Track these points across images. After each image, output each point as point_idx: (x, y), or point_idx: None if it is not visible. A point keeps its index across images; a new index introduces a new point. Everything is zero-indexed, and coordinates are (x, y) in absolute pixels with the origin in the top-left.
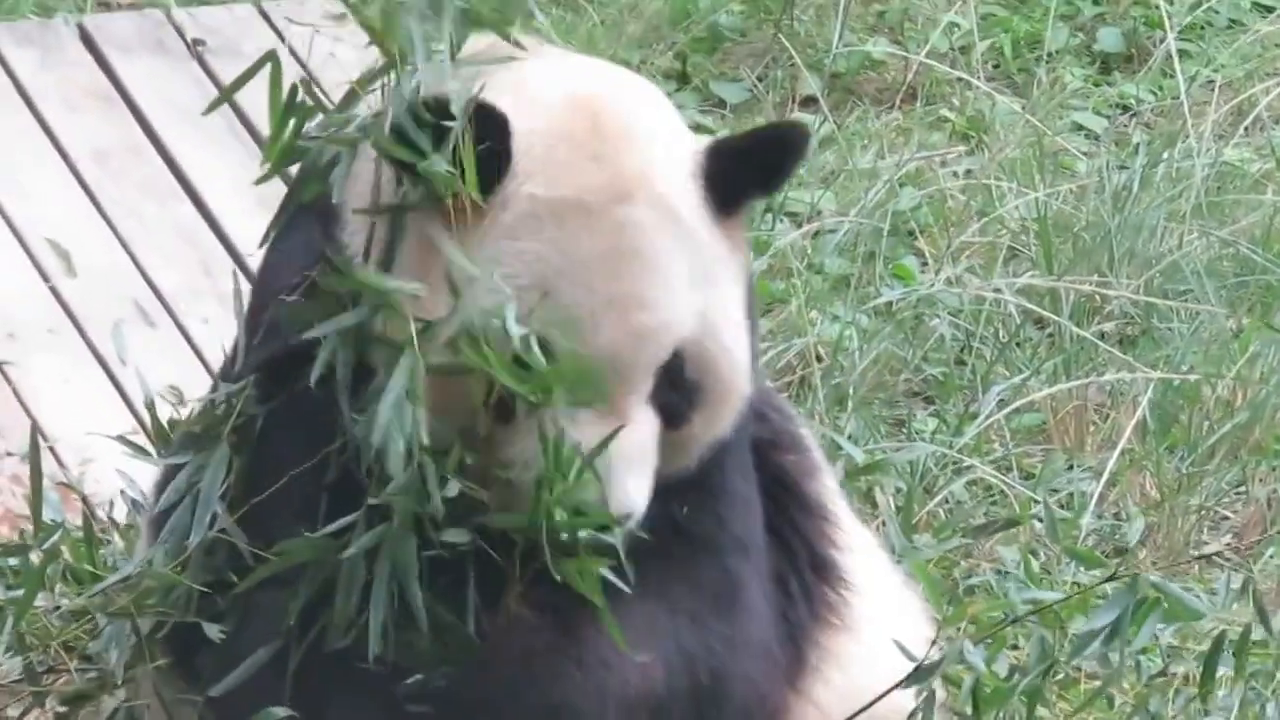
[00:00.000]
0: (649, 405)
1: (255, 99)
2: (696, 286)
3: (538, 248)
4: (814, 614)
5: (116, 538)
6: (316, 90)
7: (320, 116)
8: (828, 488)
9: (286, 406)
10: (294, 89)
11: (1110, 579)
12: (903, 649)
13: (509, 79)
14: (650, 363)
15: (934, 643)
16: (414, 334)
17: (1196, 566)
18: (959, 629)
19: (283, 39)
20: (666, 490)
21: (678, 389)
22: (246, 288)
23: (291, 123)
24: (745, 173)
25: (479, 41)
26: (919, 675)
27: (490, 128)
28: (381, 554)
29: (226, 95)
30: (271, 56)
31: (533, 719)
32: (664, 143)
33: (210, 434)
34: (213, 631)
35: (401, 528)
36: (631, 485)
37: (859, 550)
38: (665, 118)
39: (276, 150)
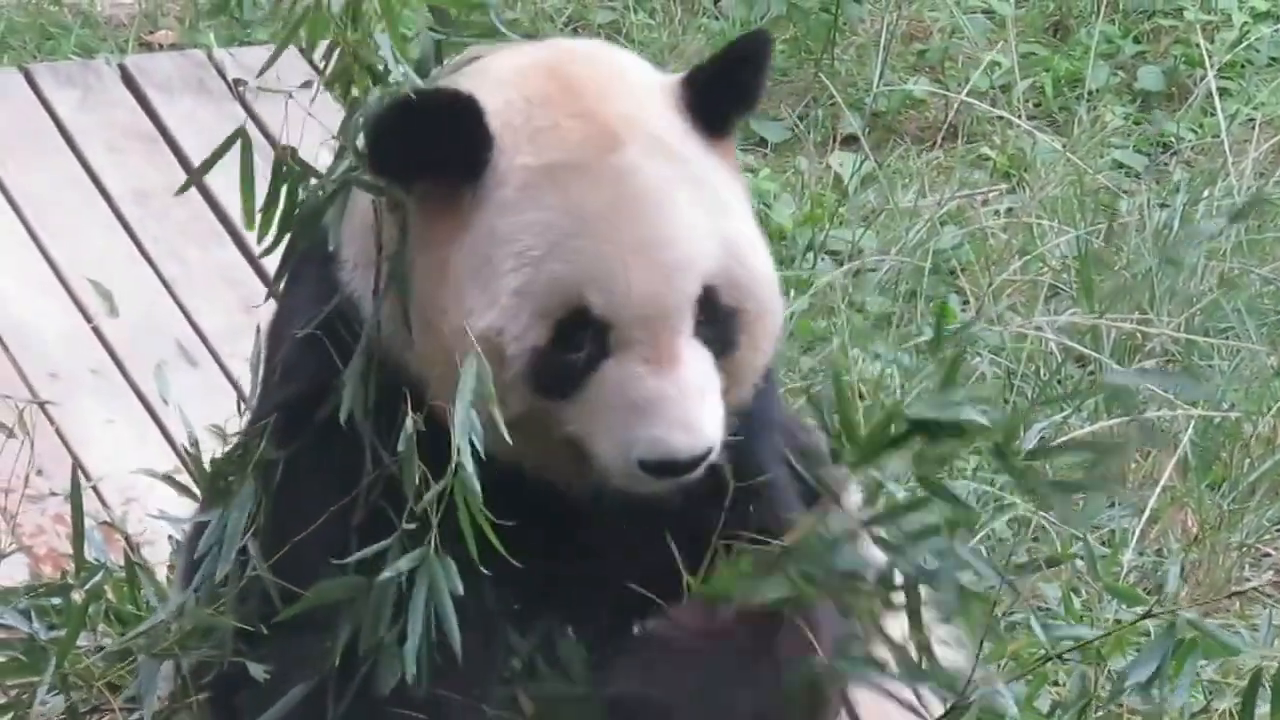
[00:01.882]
0: (696, 341)
1: (294, 139)
2: (709, 214)
3: (544, 215)
4: None
5: (159, 577)
6: (301, 155)
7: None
8: (855, 503)
9: (308, 448)
10: (278, 161)
11: (1147, 616)
12: (937, 690)
13: (470, 69)
14: (687, 299)
15: (969, 680)
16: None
17: (1238, 603)
18: (999, 666)
19: (321, 76)
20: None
21: (717, 319)
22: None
23: (284, 190)
24: (723, 94)
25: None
26: (953, 714)
27: (461, 111)
28: (418, 578)
29: (195, 178)
30: (241, 133)
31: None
32: (638, 85)
33: (235, 477)
34: (257, 671)
35: (440, 551)
36: (706, 421)
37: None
38: (630, 63)
39: (270, 220)
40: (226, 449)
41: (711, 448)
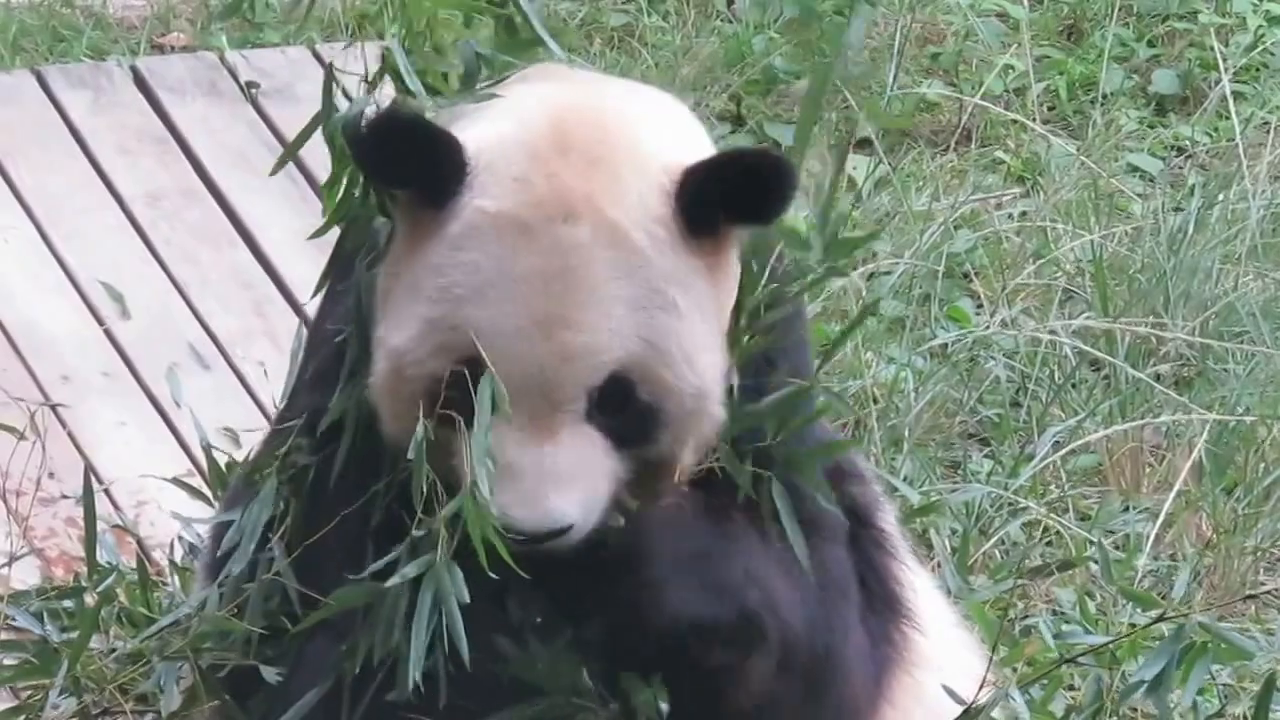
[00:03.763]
0: (587, 425)
1: (308, 142)
2: (644, 311)
3: (476, 259)
4: (882, 654)
5: (171, 580)
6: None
7: None
8: (891, 522)
9: (336, 455)
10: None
11: (1160, 619)
12: (950, 693)
13: (504, 96)
14: (578, 383)
15: (982, 684)
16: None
17: (1253, 607)
18: (1013, 670)
19: (336, 82)
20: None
21: (628, 411)
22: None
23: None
24: (718, 197)
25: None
26: (968, 718)
27: (436, 145)
28: (423, 584)
29: (291, 153)
30: (328, 111)
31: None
32: (635, 162)
33: (264, 474)
34: (270, 674)
35: (447, 557)
36: (555, 502)
37: (918, 588)
38: (655, 134)
39: (334, 204)
40: (261, 444)
41: (561, 528)
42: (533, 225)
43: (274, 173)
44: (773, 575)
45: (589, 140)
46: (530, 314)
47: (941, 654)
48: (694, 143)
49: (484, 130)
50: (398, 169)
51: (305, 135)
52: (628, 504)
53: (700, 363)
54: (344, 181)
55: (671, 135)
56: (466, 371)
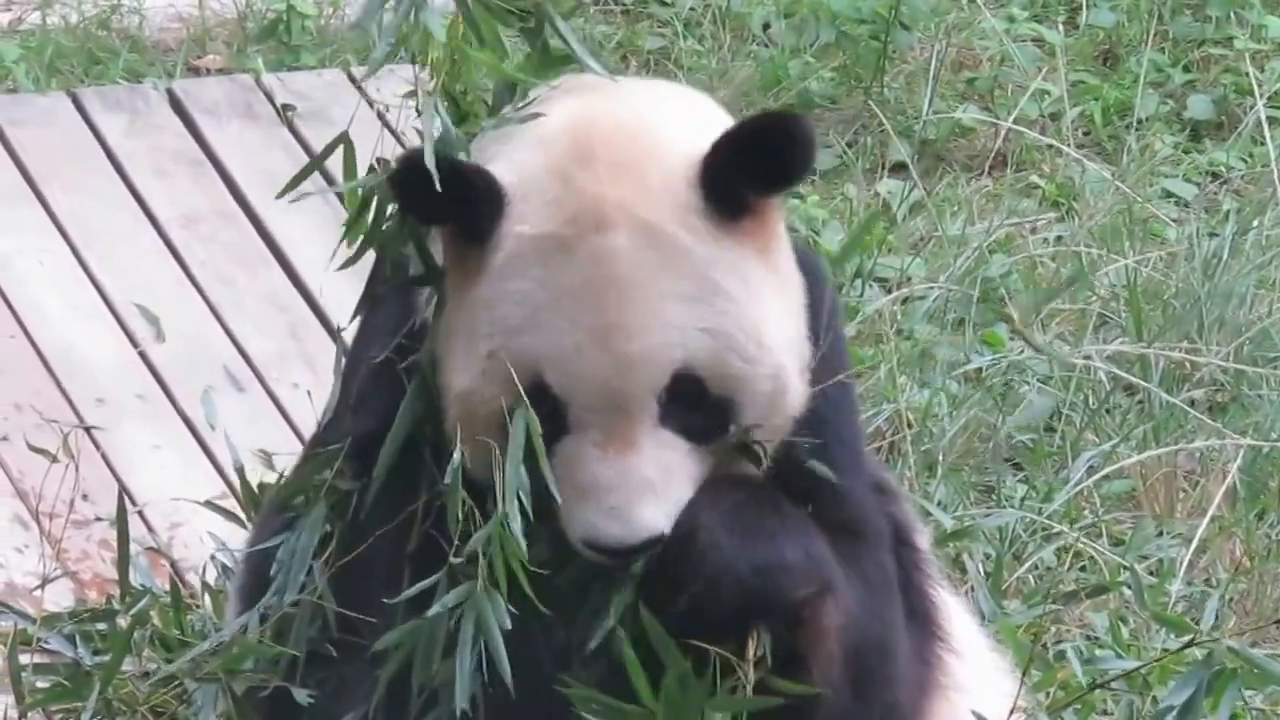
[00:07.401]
0: (664, 430)
1: (342, 164)
2: (697, 303)
3: (524, 286)
4: (919, 674)
5: (205, 602)
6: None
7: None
8: (925, 543)
9: (379, 480)
10: (371, 169)
11: (1189, 645)
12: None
13: (518, 127)
14: (645, 388)
15: (1013, 709)
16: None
17: None
18: (1046, 695)
19: (371, 104)
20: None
21: (703, 406)
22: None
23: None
24: (745, 171)
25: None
26: None
27: (471, 184)
28: (464, 612)
29: (298, 180)
30: (344, 139)
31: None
32: (658, 159)
33: (307, 497)
34: (301, 696)
35: (487, 586)
36: (643, 513)
37: (953, 611)
38: (674, 129)
39: (357, 230)
40: (298, 465)
41: (651, 538)
42: (570, 241)
43: (281, 195)
44: (833, 562)
45: (610, 147)
46: (584, 329)
47: (977, 679)
48: (715, 130)
49: (514, 157)
50: (436, 207)
51: (308, 169)
52: None
53: (768, 340)
54: (371, 207)
55: (691, 127)
56: (531, 396)
